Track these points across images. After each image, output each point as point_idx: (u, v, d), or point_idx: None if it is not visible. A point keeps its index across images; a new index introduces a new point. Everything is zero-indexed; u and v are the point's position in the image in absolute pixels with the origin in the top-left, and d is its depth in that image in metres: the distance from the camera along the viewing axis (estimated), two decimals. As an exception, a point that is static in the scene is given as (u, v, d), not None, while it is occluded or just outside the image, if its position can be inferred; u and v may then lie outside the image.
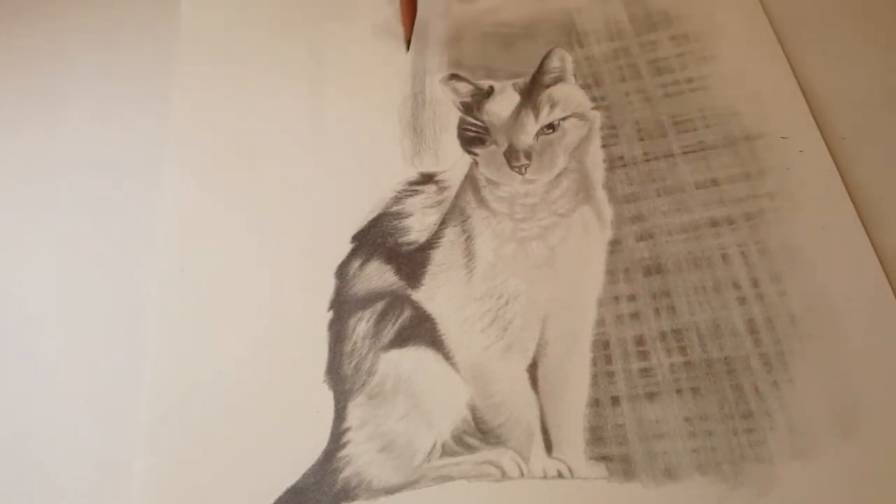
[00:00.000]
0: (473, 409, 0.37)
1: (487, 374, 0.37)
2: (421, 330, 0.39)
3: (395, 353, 0.38)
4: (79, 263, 0.44)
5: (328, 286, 0.41)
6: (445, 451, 0.36)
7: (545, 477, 0.35)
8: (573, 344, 0.38)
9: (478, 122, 0.45)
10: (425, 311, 0.39)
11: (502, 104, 0.45)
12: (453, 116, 0.46)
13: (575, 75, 0.46)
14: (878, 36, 0.45)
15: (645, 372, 0.36)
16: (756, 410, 0.34)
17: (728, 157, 0.42)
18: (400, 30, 0.49)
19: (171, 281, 0.42)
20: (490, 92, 0.46)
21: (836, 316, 0.36)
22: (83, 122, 0.49)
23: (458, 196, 0.43)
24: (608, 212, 0.41)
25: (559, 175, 0.43)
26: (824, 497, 0.32)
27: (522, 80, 0.46)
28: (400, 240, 0.42)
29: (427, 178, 0.44)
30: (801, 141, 0.42)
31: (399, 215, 0.43)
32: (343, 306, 0.40)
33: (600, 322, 0.38)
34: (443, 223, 0.42)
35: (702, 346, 0.37)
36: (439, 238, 0.42)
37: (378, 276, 0.41)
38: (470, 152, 0.44)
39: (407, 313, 0.39)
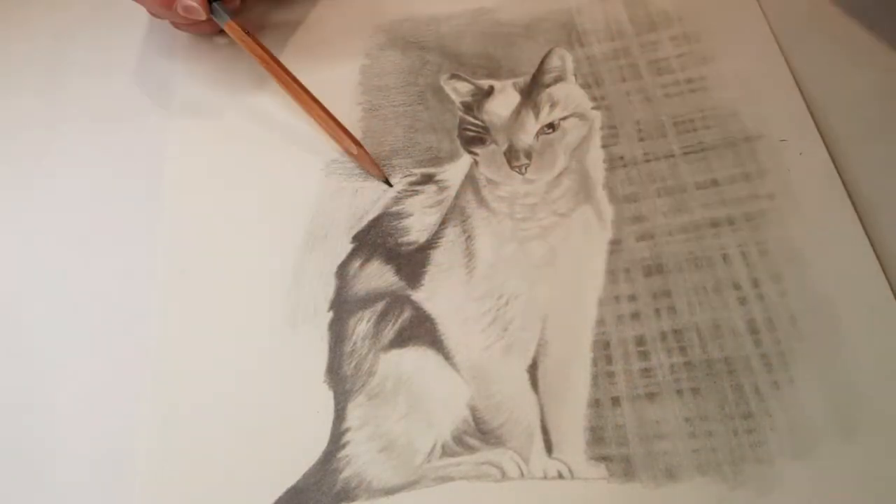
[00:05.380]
0: (474, 410, 0.37)
1: (488, 375, 0.37)
2: (421, 330, 0.39)
3: (396, 354, 0.38)
4: (78, 265, 0.44)
5: (328, 286, 0.41)
6: (445, 452, 0.36)
7: (545, 477, 0.35)
8: (573, 344, 0.38)
9: (478, 122, 0.45)
10: (425, 312, 0.39)
11: (502, 104, 0.45)
12: (454, 116, 0.46)
13: (575, 75, 0.46)
14: (877, 38, 0.45)
15: (645, 372, 0.36)
16: (756, 411, 0.35)
17: (728, 157, 0.42)
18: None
19: (171, 282, 0.42)
20: (490, 91, 0.46)
21: (837, 316, 0.36)
22: (83, 122, 0.49)
23: (458, 196, 0.43)
24: (608, 212, 0.41)
25: (559, 175, 0.43)
26: (825, 497, 0.32)
27: (523, 80, 0.46)
28: (400, 240, 0.42)
29: (427, 178, 0.44)
30: (800, 143, 0.42)
31: (399, 215, 0.43)
32: (343, 306, 0.40)
33: (601, 322, 0.38)
34: (443, 223, 0.42)
35: (702, 347, 0.37)
36: (439, 238, 0.42)
37: (378, 276, 0.41)
38: (470, 152, 0.44)
39: (407, 313, 0.39)
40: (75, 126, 0.49)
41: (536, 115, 0.44)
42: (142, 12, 0.51)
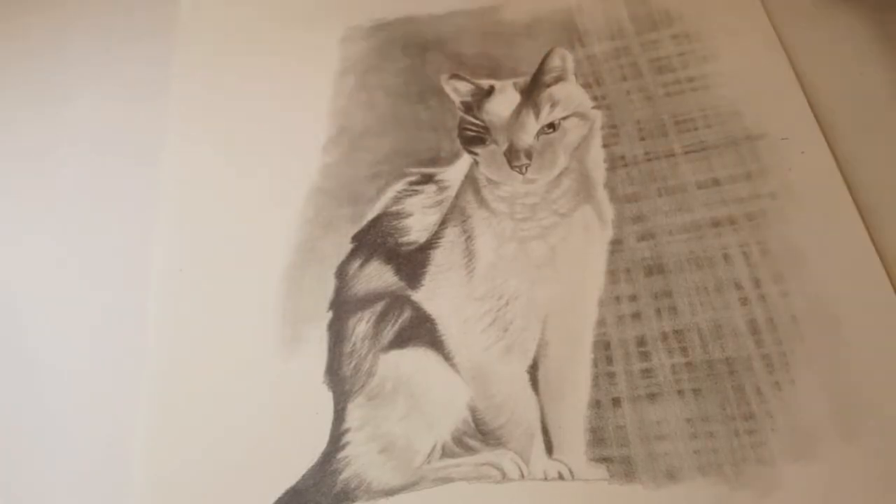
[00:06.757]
0: (474, 410, 0.36)
1: (488, 375, 0.37)
2: (421, 330, 0.39)
3: (395, 354, 0.38)
4: (77, 264, 0.44)
5: (328, 286, 0.41)
6: (445, 453, 0.36)
7: (546, 478, 0.34)
8: (574, 345, 0.37)
9: (478, 122, 0.45)
10: (425, 312, 0.39)
11: (503, 103, 0.45)
12: (454, 116, 0.46)
13: (576, 74, 0.46)
14: (879, 36, 0.45)
15: (646, 373, 0.36)
16: (758, 411, 0.34)
17: (729, 156, 0.42)
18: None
19: (169, 281, 0.42)
20: (490, 91, 0.46)
21: (838, 316, 0.36)
22: (82, 121, 0.49)
23: (458, 196, 0.43)
24: (609, 211, 0.41)
25: (560, 175, 0.42)
26: (826, 498, 0.32)
27: (523, 80, 0.46)
28: (400, 240, 0.42)
29: (427, 178, 0.44)
30: (802, 141, 0.41)
31: (399, 215, 0.43)
32: (343, 307, 0.40)
33: (601, 322, 0.38)
34: (443, 223, 0.42)
35: (703, 347, 0.36)
36: (439, 238, 0.41)
37: (378, 276, 0.41)
38: (470, 152, 0.44)
39: (407, 314, 0.39)
40: (73, 127, 0.49)
41: (537, 114, 0.44)
42: (141, 11, 0.51)
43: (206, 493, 0.36)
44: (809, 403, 0.34)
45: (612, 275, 0.39)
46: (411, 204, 0.43)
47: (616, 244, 0.40)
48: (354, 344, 0.39)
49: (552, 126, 0.44)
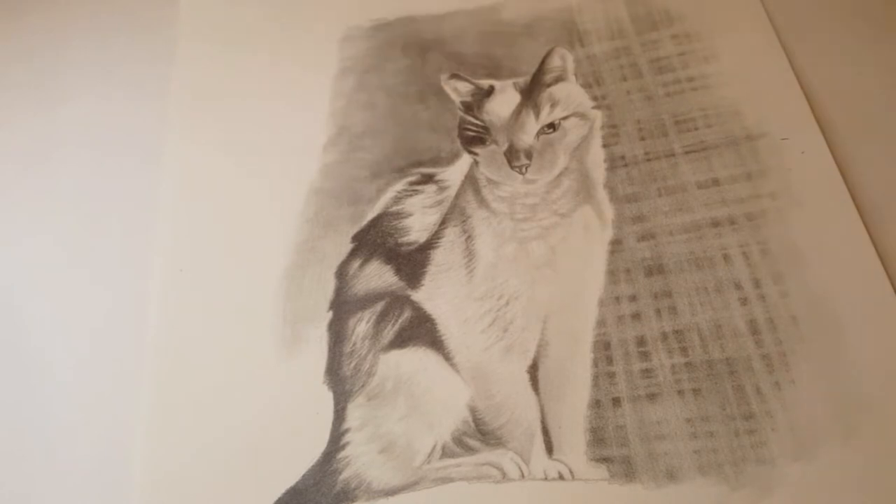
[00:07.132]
0: (474, 410, 0.36)
1: (488, 375, 0.37)
2: (421, 330, 0.39)
3: (395, 354, 0.38)
4: (77, 264, 0.44)
5: (328, 286, 0.41)
6: (445, 453, 0.36)
7: (546, 478, 0.34)
8: (574, 344, 0.37)
9: (478, 122, 0.45)
10: (425, 312, 0.39)
11: (503, 103, 0.45)
12: (454, 116, 0.46)
13: (576, 74, 0.46)
14: (879, 36, 0.45)
15: (646, 373, 0.36)
16: (758, 411, 0.34)
17: (730, 156, 0.42)
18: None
19: (170, 281, 0.42)
20: (490, 91, 0.46)
21: (838, 316, 0.36)
22: (81, 121, 0.49)
23: (458, 196, 0.43)
24: (609, 212, 0.41)
25: (560, 175, 0.42)
26: (826, 498, 0.32)
27: (523, 80, 0.46)
28: (400, 240, 0.42)
29: (427, 178, 0.44)
30: (802, 141, 0.41)
31: (399, 215, 0.43)
32: (343, 307, 0.40)
33: (601, 322, 0.38)
34: (443, 223, 0.42)
35: (703, 347, 0.36)
36: (439, 238, 0.41)
37: (378, 276, 0.41)
38: (470, 152, 0.44)
39: (407, 314, 0.39)
40: (73, 127, 0.49)
41: (537, 114, 0.44)
42: (141, 11, 0.51)
43: (206, 492, 0.36)
44: (809, 403, 0.34)
45: (612, 275, 0.39)
46: (411, 204, 0.43)
47: (616, 244, 0.40)
48: (354, 344, 0.39)
49: (552, 126, 0.44)
